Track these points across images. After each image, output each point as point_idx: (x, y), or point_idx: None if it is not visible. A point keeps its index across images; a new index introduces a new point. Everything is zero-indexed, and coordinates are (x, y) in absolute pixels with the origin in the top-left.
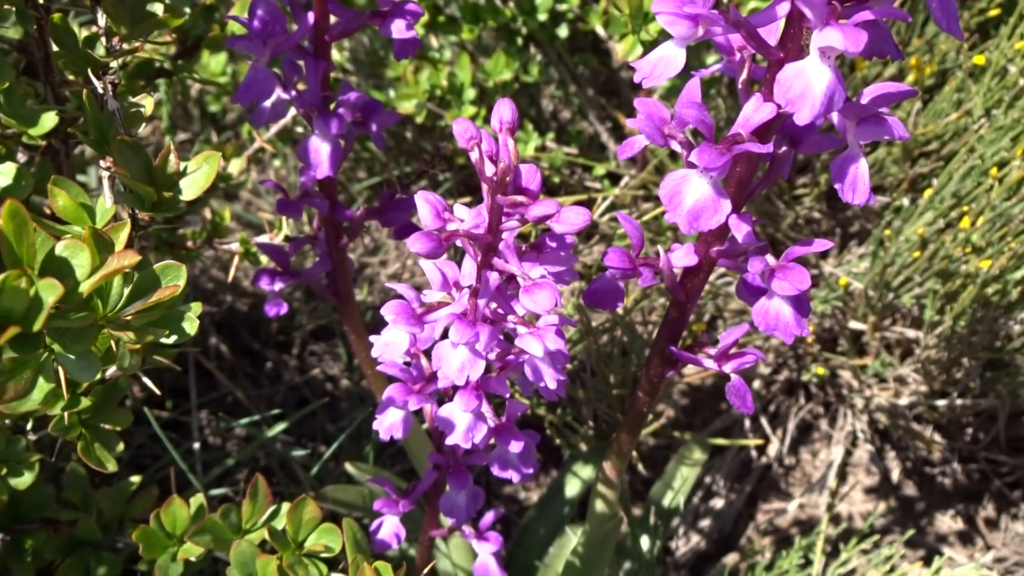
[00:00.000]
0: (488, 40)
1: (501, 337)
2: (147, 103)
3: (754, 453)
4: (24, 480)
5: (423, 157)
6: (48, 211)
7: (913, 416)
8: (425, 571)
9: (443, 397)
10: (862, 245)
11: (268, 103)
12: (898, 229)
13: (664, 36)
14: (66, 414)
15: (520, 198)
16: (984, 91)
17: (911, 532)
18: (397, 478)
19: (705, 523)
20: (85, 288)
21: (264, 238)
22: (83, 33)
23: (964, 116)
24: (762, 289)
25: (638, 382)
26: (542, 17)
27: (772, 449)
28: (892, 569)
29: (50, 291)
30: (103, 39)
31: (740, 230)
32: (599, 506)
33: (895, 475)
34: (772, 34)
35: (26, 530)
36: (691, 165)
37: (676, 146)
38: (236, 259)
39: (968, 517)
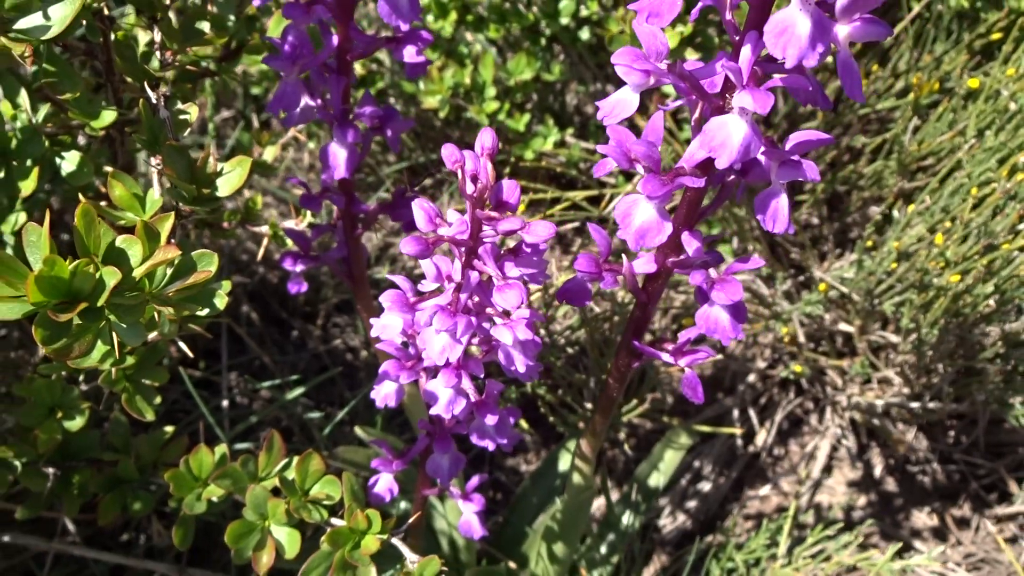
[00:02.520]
0: (517, 34)
1: (486, 326)
2: (192, 111)
3: (739, 442)
4: (76, 424)
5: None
6: (103, 189)
7: (899, 416)
8: (411, 520)
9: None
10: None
11: (297, 110)
12: (880, 241)
13: None
14: (113, 370)
15: (493, 213)
16: (977, 113)
17: (870, 521)
18: (400, 442)
19: (692, 504)
20: (137, 273)
21: (290, 223)
22: (140, 36)
23: (958, 135)
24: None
25: (610, 371)
26: (564, 20)
27: (760, 439)
28: (848, 553)
29: (111, 276)
30: (157, 53)
31: (691, 245)
32: (576, 478)
33: (877, 471)
34: (719, 82)
35: (74, 467)
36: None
37: (640, 169)
38: (265, 241)
39: (943, 514)
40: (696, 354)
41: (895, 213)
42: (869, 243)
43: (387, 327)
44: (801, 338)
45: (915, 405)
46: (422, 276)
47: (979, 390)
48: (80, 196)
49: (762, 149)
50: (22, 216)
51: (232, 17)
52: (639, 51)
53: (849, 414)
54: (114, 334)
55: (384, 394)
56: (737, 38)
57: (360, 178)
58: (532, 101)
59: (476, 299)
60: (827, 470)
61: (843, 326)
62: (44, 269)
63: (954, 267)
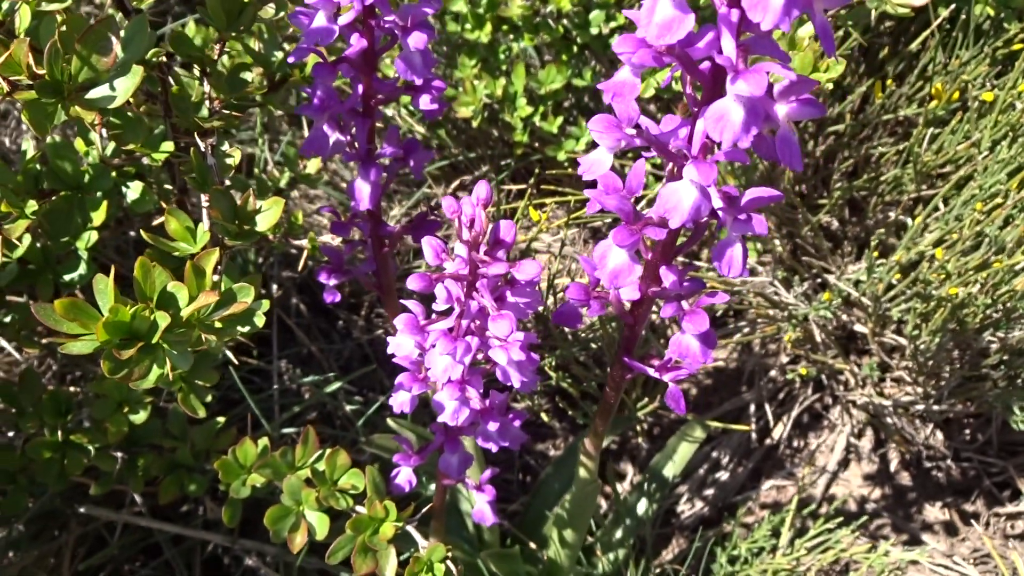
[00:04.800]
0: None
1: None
2: (235, 154)
3: (754, 436)
4: (140, 417)
5: (487, 143)
6: (163, 204)
7: (911, 415)
8: (429, 506)
9: None
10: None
11: (328, 147)
12: (896, 246)
13: None
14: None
15: (485, 258)
16: (991, 125)
17: (866, 516)
18: (427, 432)
19: (709, 492)
20: (185, 314)
21: (326, 238)
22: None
23: (972, 147)
24: None
25: (607, 381)
26: (595, 30)
27: (776, 432)
28: (844, 546)
29: (163, 319)
30: (207, 102)
31: (667, 279)
32: (582, 472)
33: (893, 465)
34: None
35: (139, 452)
36: None
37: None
38: (305, 253)
39: (955, 510)
40: (679, 370)
41: (909, 221)
42: (875, 254)
43: (400, 346)
44: (818, 337)
45: (920, 407)
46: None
47: (984, 394)
48: (142, 232)
49: (720, 205)
50: (94, 235)
51: (276, 54)
52: (612, 118)
53: (858, 413)
54: (167, 360)
55: (400, 402)
56: (696, 110)
57: (404, 174)
58: (569, 100)
59: (478, 323)
60: (844, 463)
61: (858, 327)
62: (110, 316)
63: (955, 279)
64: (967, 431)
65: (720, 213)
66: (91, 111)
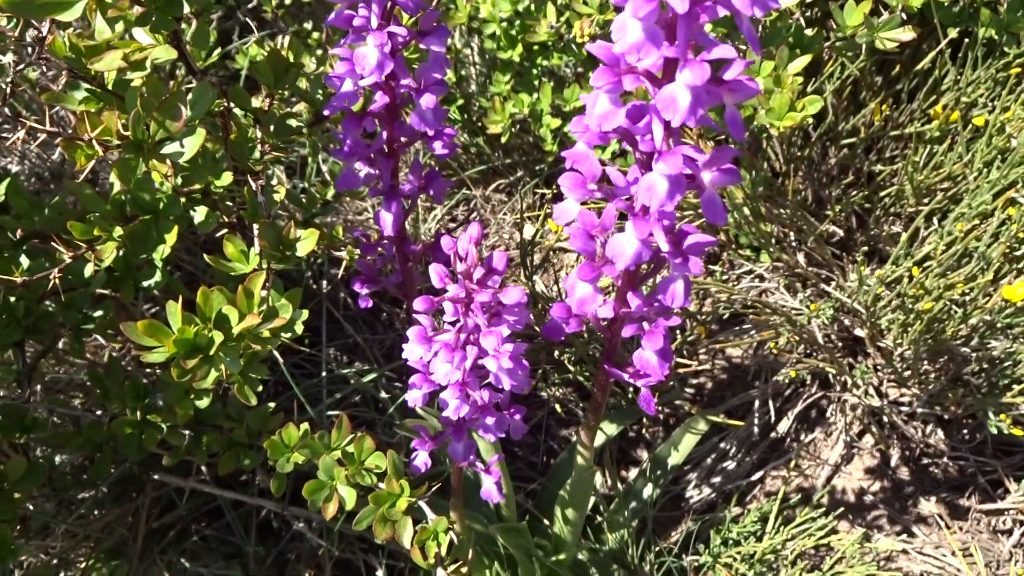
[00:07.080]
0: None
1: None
2: (280, 191)
3: (757, 430)
4: (204, 403)
5: (522, 149)
6: (226, 219)
7: (909, 415)
8: (443, 485)
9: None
10: (879, 265)
11: (360, 180)
12: (892, 256)
13: None
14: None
15: (475, 287)
16: (984, 146)
17: (839, 509)
18: None
19: (716, 479)
20: (235, 331)
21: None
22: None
23: (965, 167)
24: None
25: (595, 383)
26: None
27: (782, 427)
28: (823, 534)
29: (218, 337)
30: (259, 145)
31: (632, 303)
32: (579, 460)
33: (893, 460)
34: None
35: (203, 431)
36: None
37: (599, 243)
38: (344, 263)
39: (948, 505)
40: (648, 377)
41: (903, 235)
42: (863, 269)
43: (412, 352)
44: (820, 340)
45: (907, 409)
46: None
47: (962, 400)
48: (205, 256)
49: (667, 248)
50: (167, 248)
51: (320, 92)
52: (579, 175)
53: (851, 415)
54: (222, 366)
55: (413, 398)
56: (641, 172)
57: (448, 175)
58: None
59: (475, 336)
60: (848, 458)
61: (858, 331)
62: (178, 335)
63: (932, 294)
64: (965, 430)
65: (666, 255)
66: (164, 164)
